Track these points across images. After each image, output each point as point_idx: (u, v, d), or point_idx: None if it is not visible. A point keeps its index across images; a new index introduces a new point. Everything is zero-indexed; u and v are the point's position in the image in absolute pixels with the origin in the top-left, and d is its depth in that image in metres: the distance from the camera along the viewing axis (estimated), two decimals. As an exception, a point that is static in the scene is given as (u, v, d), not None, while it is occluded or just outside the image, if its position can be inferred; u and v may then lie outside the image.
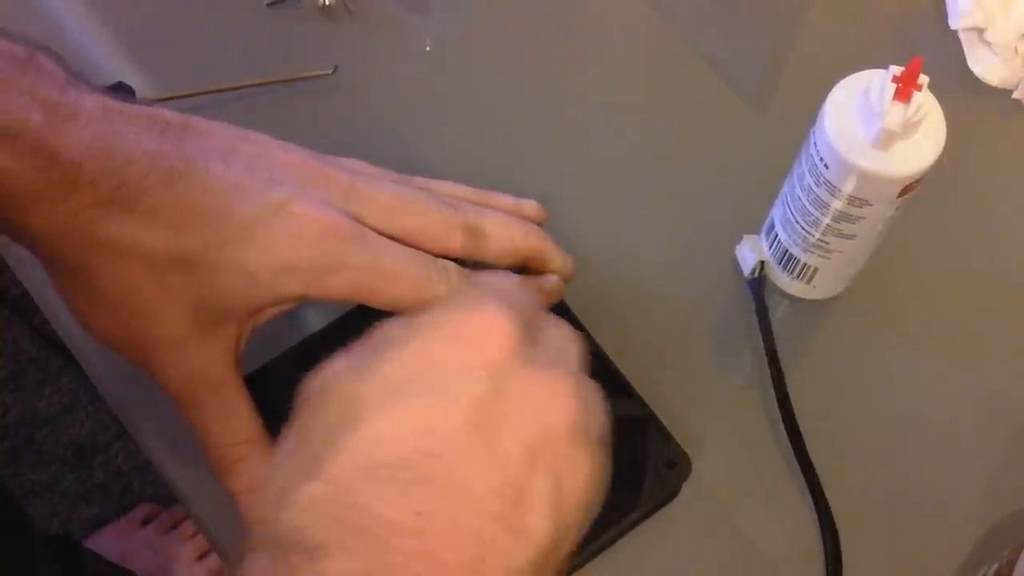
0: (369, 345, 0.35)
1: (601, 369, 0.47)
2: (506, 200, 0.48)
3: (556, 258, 0.46)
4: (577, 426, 0.34)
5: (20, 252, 0.41)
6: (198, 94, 0.55)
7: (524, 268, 0.46)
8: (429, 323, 0.34)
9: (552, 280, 0.46)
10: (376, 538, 0.31)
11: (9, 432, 1.21)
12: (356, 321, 0.47)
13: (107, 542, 1.12)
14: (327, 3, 0.58)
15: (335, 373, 0.34)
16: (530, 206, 0.49)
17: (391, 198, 0.43)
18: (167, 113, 0.40)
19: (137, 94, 0.53)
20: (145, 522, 1.13)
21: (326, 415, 0.33)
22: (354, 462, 0.31)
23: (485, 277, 0.38)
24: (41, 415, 1.22)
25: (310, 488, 0.31)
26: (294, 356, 0.47)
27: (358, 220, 0.42)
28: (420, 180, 0.47)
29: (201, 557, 1.08)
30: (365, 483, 0.31)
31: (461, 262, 0.44)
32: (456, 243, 0.44)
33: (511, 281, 0.38)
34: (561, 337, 0.37)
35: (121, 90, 0.53)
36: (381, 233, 0.42)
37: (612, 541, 0.46)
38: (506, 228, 0.45)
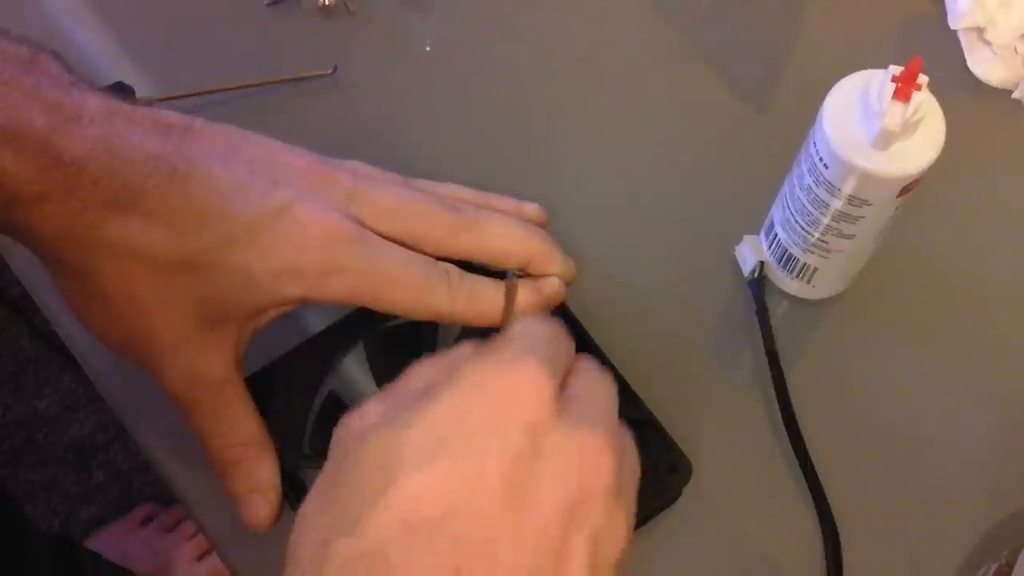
0: (403, 392, 0.35)
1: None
2: (508, 203, 0.48)
3: (557, 261, 0.46)
4: (613, 485, 0.33)
5: (20, 252, 0.41)
6: (198, 94, 0.55)
7: (525, 270, 0.46)
8: (465, 376, 0.33)
9: (553, 283, 0.46)
10: None
11: (9, 432, 1.21)
12: (358, 323, 0.48)
13: (107, 542, 1.12)
14: (327, 3, 0.58)
15: (371, 425, 0.33)
16: (532, 209, 0.49)
17: (393, 201, 0.43)
18: (170, 115, 0.40)
19: (137, 94, 0.53)
20: (145, 522, 1.13)
21: (362, 469, 0.32)
22: (391, 520, 0.31)
23: (521, 325, 0.37)
24: (41, 415, 1.22)
25: (349, 544, 0.31)
26: (295, 358, 0.47)
27: (360, 222, 0.42)
28: (422, 182, 0.47)
29: (201, 557, 1.08)
30: (403, 541, 0.30)
31: (464, 264, 0.44)
32: (458, 246, 0.44)
33: (546, 328, 0.37)
34: (595, 384, 0.37)
35: (121, 90, 0.53)
36: (383, 236, 0.42)
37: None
38: (508, 231, 0.45)
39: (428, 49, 0.59)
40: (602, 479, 0.33)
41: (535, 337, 0.36)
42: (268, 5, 0.59)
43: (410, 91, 0.57)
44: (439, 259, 0.43)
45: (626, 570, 0.34)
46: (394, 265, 0.42)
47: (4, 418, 1.21)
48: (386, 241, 0.42)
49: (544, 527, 0.31)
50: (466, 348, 0.36)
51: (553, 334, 0.37)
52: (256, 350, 0.44)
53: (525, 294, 0.45)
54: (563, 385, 0.35)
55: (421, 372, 0.36)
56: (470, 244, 0.44)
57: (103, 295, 0.40)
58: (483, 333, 0.45)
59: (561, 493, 0.32)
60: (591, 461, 0.33)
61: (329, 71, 0.56)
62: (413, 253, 0.43)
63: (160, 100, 0.54)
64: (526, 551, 0.31)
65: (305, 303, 0.42)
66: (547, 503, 0.32)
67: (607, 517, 0.33)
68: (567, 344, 0.37)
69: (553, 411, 0.33)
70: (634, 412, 0.46)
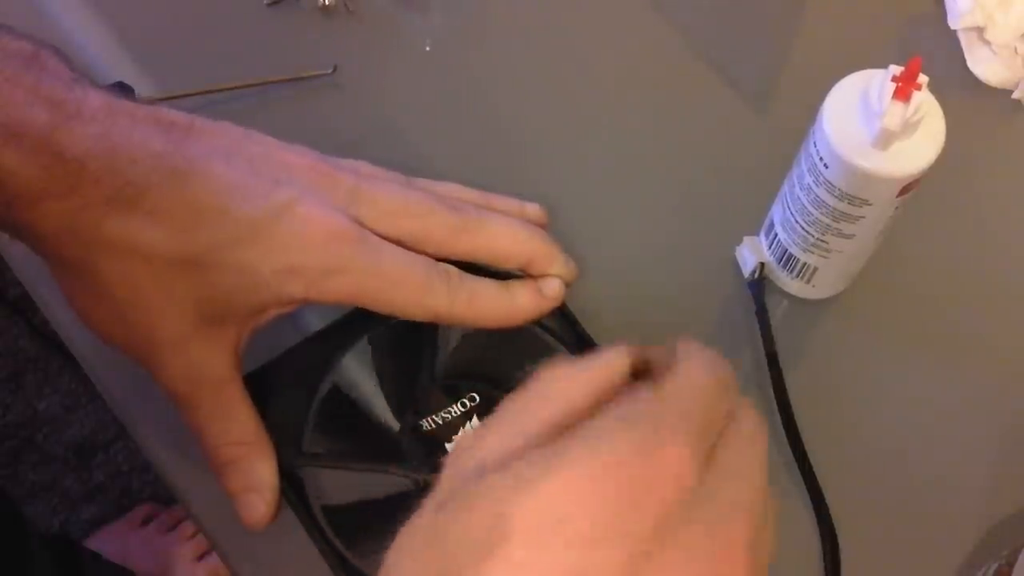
0: (531, 422, 0.31)
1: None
2: (509, 203, 0.48)
3: (558, 261, 0.46)
4: None
5: (20, 251, 0.41)
6: (198, 94, 0.54)
7: (526, 271, 0.46)
8: (600, 444, 0.29)
9: (554, 284, 0.46)
10: None
11: (9, 432, 1.21)
12: (357, 323, 0.48)
13: (107, 542, 1.12)
14: (327, 3, 0.58)
15: (490, 462, 0.30)
16: (533, 209, 0.49)
17: (395, 201, 0.43)
18: (172, 112, 0.40)
19: (137, 94, 0.53)
20: (145, 522, 1.14)
21: (468, 524, 0.29)
22: None
23: (683, 378, 0.31)
24: (41, 415, 1.22)
25: None
26: (294, 356, 0.47)
27: (361, 222, 0.42)
28: (423, 181, 0.47)
29: (201, 557, 1.08)
30: None
31: (465, 265, 0.44)
32: (459, 246, 0.44)
33: (709, 389, 0.32)
34: (747, 446, 0.32)
35: (120, 90, 0.53)
36: (384, 236, 0.42)
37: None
38: (509, 231, 0.45)
39: (428, 49, 0.59)
40: None
41: (696, 401, 0.31)
42: (268, 5, 0.59)
43: (410, 91, 0.57)
44: (440, 260, 0.43)
45: None
46: (394, 265, 0.42)
47: (4, 418, 1.21)
48: (386, 242, 0.42)
49: None
50: (615, 365, 0.32)
51: (718, 391, 0.32)
52: (255, 348, 0.44)
53: (526, 295, 0.45)
54: (712, 451, 0.31)
55: (556, 393, 0.31)
56: (471, 245, 0.44)
57: (104, 293, 0.40)
58: (486, 334, 0.45)
59: None
60: (721, 563, 0.29)
61: (329, 71, 0.56)
62: (414, 254, 0.43)
63: (160, 100, 0.54)
64: None
65: (305, 303, 0.42)
66: None
67: None
68: (728, 401, 0.32)
69: (691, 499, 0.29)
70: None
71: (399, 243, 0.43)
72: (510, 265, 0.46)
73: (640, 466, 0.29)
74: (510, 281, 0.45)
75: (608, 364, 0.32)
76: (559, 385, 0.32)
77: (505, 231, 0.45)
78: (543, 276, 0.46)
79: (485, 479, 0.29)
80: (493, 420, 0.31)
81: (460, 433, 0.44)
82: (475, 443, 0.31)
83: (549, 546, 0.28)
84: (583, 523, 0.28)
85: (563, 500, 0.28)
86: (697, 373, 0.32)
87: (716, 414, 0.31)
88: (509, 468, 0.29)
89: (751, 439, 0.32)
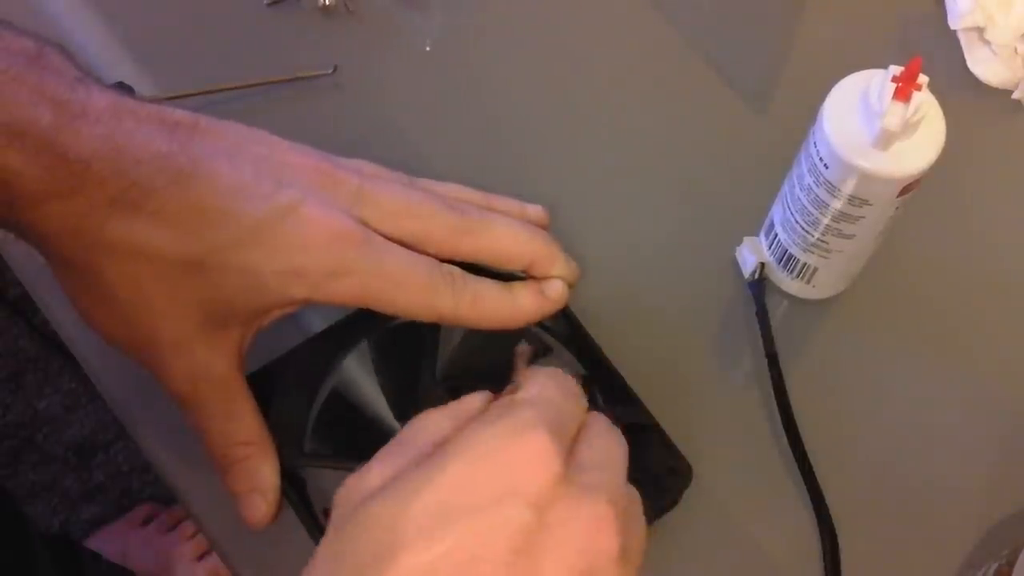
0: (407, 451, 0.34)
1: (602, 374, 0.48)
2: (511, 204, 0.48)
3: (560, 262, 0.46)
4: (619, 552, 0.33)
5: (20, 252, 0.41)
6: (198, 94, 0.54)
7: (528, 272, 0.46)
8: (471, 445, 0.33)
9: (556, 285, 0.46)
10: None
11: (9, 432, 1.21)
12: (359, 323, 0.48)
13: (107, 542, 1.12)
14: (327, 3, 0.58)
15: (374, 489, 0.33)
16: (534, 210, 0.49)
17: (398, 201, 0.43)
18: (177, 112, 0.40)
19: (137, 94, 0.53)
20: (145, 522, 1.13)
21: (364, 540, 0.32)
22: None
23: (533, 386, 0.37)
24: (41, 415, 1.22)
25: None
26: (297, 356, 0.47)
27: (365, 223, 0.42)
28: (426, 182, 0.47)
29: (201, 557, 1.08)
30: None
31: (467, 266, 0.44)
32: (462, 248, 0.44)
33: (559, 391, 0.37)
34: (603, 448, 0.36)
35: (121, 90, 0.53)
36: (387, 237, 0.42)
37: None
38: (511, 232, 0.45)
39: (428, 49, 0.59)
40: (607, 548, 0.33)
41: (546, 402, 0.35)
42: (268, 5, 0.59)
43: (410, 91, 0.57)
44: (443, 260, 0.43)
45: None
46: (398, 267, 0.42)
47: (4, 418, 1.21)
48: (390, 243, 0.42)
49: None
50: (475, 401, 0.36)
51: (565, 397, 0.36)
52: (257, 348, 0.44)
53: (528, 297, 0.45)
54: (572, 448, 0.35)
55: (427, 427, 0.35)
56: (473, 246, 0.44)
57: (108, 294, 0.40)
58: (488, 335, 0.45)
59: (566, 567, 0.32)
60: (597, 531, 0.33)
61: (329, 71, 0.56)
62: (417, 255, 0.43)
63: (161, 100, 0.54)
64: None
65: (309, 304, 0.42)
66: None
67: None
68: (579, 405, 0.37)
69: (560, 484, 0.33)
70: (635, 416, 0.46)
71: (402, 244, 0.43)
72: (512, 266, 0.46)
73: (508, 453, 0.33)
74: (513, 283, 0.45)
75: (467, 401, 0.37)
76: (427, 421, 0.36)
77: (507, 232, 0.45)
78: (545, 278, 0.46)
79: (374, 500, 0.32)
80: (373, 460, 0.35)
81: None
82: (360, 480, 0.34)
83: (441, 539, 0.31)
84: (466, 513, 0.31)
85: (446, 497, 0.32)
86: (544, 382, 0.37)
87: (567, 414, 0.36)
88: (394, 486, 0.32)
89: (607, 439, 0.36)
